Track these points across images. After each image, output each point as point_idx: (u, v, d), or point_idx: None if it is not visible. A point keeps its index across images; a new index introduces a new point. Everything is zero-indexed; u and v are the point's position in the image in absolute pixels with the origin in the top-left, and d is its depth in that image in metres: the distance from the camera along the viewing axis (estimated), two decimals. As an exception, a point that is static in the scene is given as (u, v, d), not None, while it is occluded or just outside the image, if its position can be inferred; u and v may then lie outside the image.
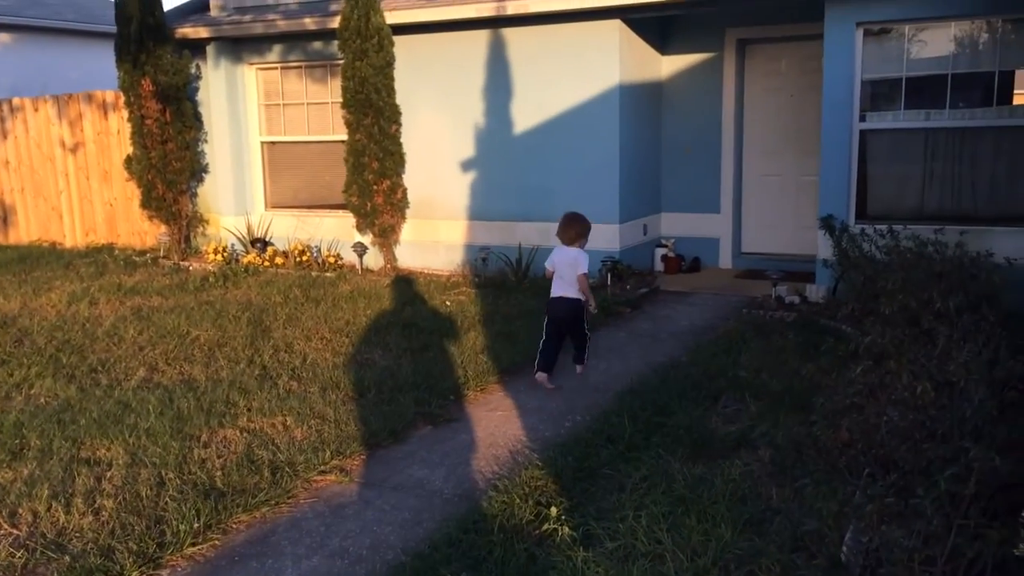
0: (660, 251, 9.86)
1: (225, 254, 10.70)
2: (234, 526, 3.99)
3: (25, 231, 13.15)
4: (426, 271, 9.97)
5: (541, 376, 5.89)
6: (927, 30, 7.69)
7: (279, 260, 10.38)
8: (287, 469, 4.48)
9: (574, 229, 5.88)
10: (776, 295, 7.85)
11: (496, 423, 5.29)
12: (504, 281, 9.00)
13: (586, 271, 5.85)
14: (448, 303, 8.21)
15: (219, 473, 4.42)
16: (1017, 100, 7.89)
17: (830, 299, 7.48)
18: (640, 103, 9.46)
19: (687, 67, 9.85)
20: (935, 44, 7.75)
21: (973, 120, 7.58)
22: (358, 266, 10.07)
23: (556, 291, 5.93)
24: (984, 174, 7.64)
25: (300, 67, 10.86)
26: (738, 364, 6.03)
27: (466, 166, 9.85)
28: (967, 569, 2.83)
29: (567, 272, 5.86)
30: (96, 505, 4.10)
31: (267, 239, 10.95)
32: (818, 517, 3.37)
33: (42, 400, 5.67)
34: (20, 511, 4.05)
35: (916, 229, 7.18)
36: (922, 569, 2.70)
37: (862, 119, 7.88)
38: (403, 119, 9.91)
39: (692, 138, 9.90)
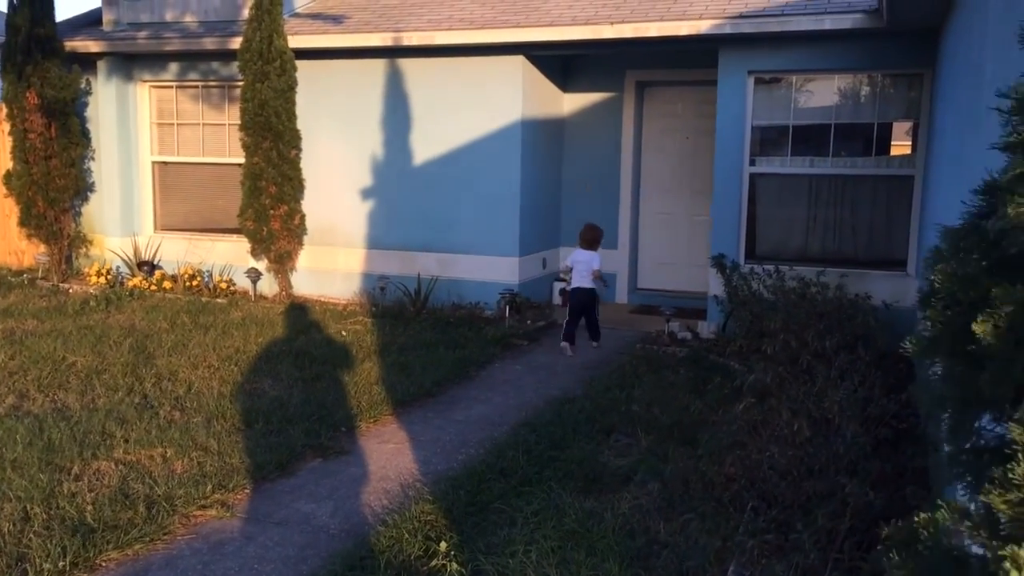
0: (558, 285, 9.96)
1: (109, 277, 10.24)
2: (103, 564, 3.76)
3: None
4: (323, 299, 9.79)
5: (565, 344, 7.67)
6: (813, 81, 8.10)
7: (167, 284, 9.99)
8: (164, 504, 4.27)
9: (591, 235, 7.86)
10: (669, 331, 8.03)
11: (388, 456, 5.19)
12: (402, 311, 8.91)
13: (599, 267, 7.84)
14: (344, 332, 8.06)
15: (90, 508, 4.17)
16: (895, 151, 8.37)
17: (720, 336, 7.70)
18: (541, 139, 9.60)
19: (588, 105, 10.07)
20: (821, 95, 8.16)
21: (854, 168, 7.99)
22: (251, 292, 9.80)
23: (576, 283, 7.77)
24: (864, 220, 8.05)
25: (197, 87, 10.58)
26: (631, 398, 6.11)
27: (367, 194, 9.76)
28: (842, 602, 2.92)
29: (585, 269, 7.71)
30: (-51, 543, 3.81)
31: (155, 262, 10.54)
32: (702, 553, 3.42)
33: None
34: None
35: (801, 270, 7.50)
36: (799, 603, 2.77)
37: (752, 163, 8.20)
38: (304, 144, 9.76)
39: (592, 175, 10.08)
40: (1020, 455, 1.24)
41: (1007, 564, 1.19)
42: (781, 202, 8.33)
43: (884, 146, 8.09)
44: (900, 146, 8.65)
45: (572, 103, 10.13)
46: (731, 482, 3.77)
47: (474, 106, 9.15)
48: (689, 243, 9.92)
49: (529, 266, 9.44)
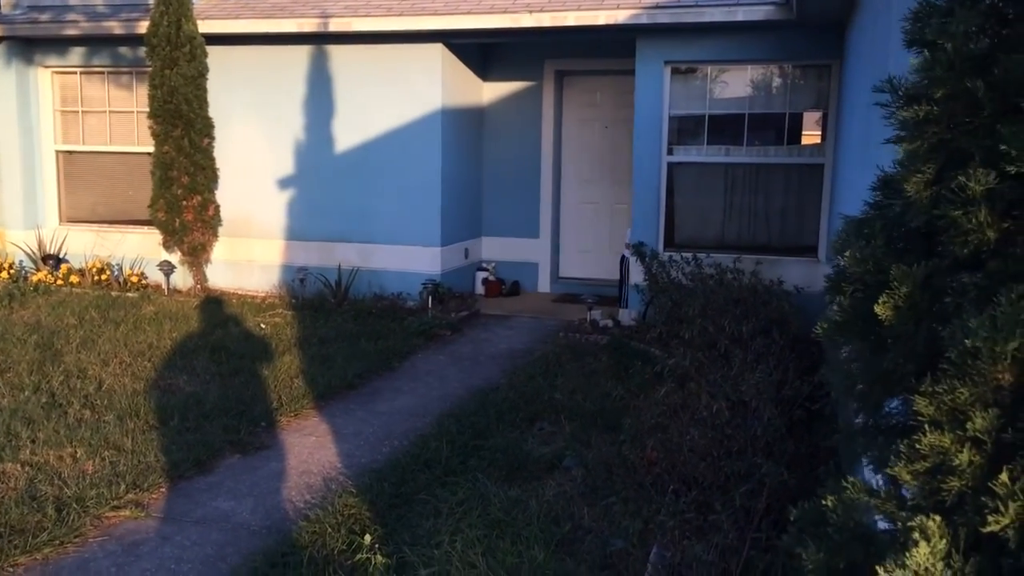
0: (481, 274, 9.96)
1: (12, 271, 9.78)
2: (11, 569, 3.61)
3: None
4: (240, 292, 9.56)
5: None
6: (728, 72, 8.27)
7: (74, 279, 9.60)
8: (75, 505, 4.12)
9: None
10: (591, 319, 8.12)
11: (310, 449, 5.12)
12: (323, 303, 8.77)
13: None
14: (263, 325, 7.90)
15: (-6, 513, 3.99)
16: (805, 140, 8.62)
17: (641, 323, 7.82)
18: (462, 127, 9.56)
19: (508, 94, 10.07)
20: (735, 85, 8.34)
21: (767, 157, 8.20)
22: (164, 286, 9.50)
23: None
24: (776, 207, 8.27)
25: (103, 72, 10.17)
26: (554, 386, 6.16)
27: (285, 184, 9.56)
28: (759, 579, 3.01)
29: None
30: None
31: (61, 256, 10.12)
32: (624, 536, 3.47)
33: None
34: None
35: (717, 257, 7.67)
36: (719, 581, 2.84)
37: (670, 152, 8.34)
38: (218, 132, 9.49)
39: (513, 164, 10.10)
40: (926, 426, 1.29)
41: (916, 535, 1.24)
42: (698, 191, 8.49)
43: (795, 136, 8.32)
44: (811, 135, 8.91)
45: (492, 92, 10.12)
46: (652, 465, 3.84)
47: (394, 94, 9.05)
48: (610, 231, 10.04)
49: (451, 256, 9.41)
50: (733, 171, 8.32)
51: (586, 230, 10.19)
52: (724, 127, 8.33)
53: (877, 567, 1.20)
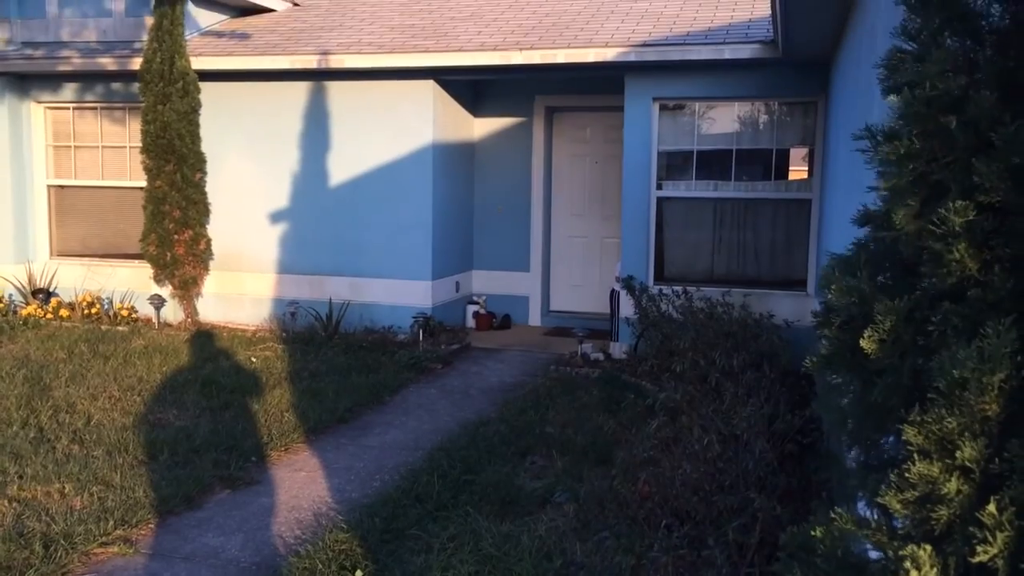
0: (472, 308, 9.98)
1: (1, 305, 9.74)
2: (-5, 610, 3.57)
3: None
4: (231, 325, 9.54)
5: None
6: (715, 108, 8.38)
7: (64, 312, 9.57)
8: (62, 542, 4.08)
9: None
10: (582, 352, 8.14)
11: (300, 484, 5.09)
12: (313, 336, 8.76)
13: None
14: (253, 359, 7.87)
15: (-20, 550, 3.95)
16: (792, 175, 8.73)
17: (632, 356, 7.84)
18: (453, 162, 9.64)
19: (499, 130, 10.17)
20: (723, 121, 8.46)
21: (755, 192, 8.29)
22: (155, 320, 9.47)
23: None
24: (765, 242, 8.35)
25: (96, 108, 10.23)
26: (546, 420, 6.16)
27: (276, 218, 9.59)
28: (752, 613, 3.00)
29: None
30: None
31: (51, 289, 10.09)
32: (617, 572, 3.46)
33: None
34: None
35: (707, 291, 7.71)
36: (712, 616, 2.83)
37: (659, 187, 8.42)
38: (209, 167, 9.54)
39: (503, 198, 10.17)
40: (915, 455, 1.32)
41: (907, 564, 1.26)
42: (687, 225, 8.56)
43: (782, 171, 8.42)
44: (798, 171, 9.02)
45: (483, 127, 10.22)
46: (645, 500, 3.84)
47: (386, 129, 9.13)
48: (600, 265, 10.09)
49: (442, 289, 9.43)
50: (721, 206, 8.41)
51: (576, 264, 10.25)
52: (712, 162, 8.42)
53: (869, 597, 1.22)
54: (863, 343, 1.56)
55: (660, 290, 7.81)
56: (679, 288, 7.65)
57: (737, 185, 8.31)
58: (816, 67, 7.57)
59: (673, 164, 8.56)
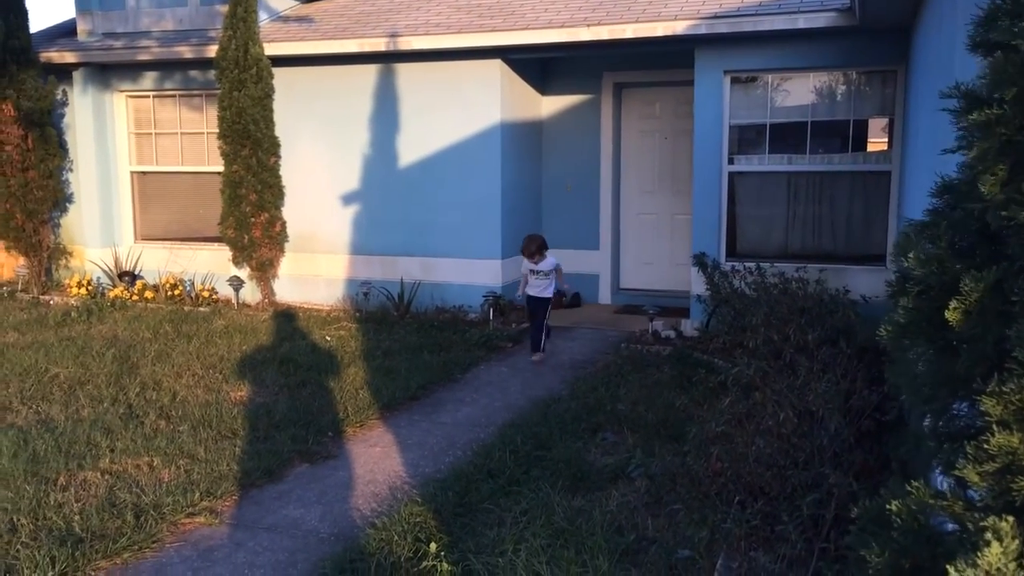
0: (541, 287, 9.98)
1: (90, 288, 10.18)
2: (92, 573, 3.76)
3: None
4: (306, 306, 9.77)
5: (536, 356, 7.56)
6: (789, 80, 8.19)
7: (149, 294, 9.95)
8: (152, 512, 4.26)
9: (534, 244, 7.51)
10: (653, 330, 8.09)
11: (376, 459, 5.20)
12: (386, 316, 8.91)
13: (556, 267, 7.63)
14: (328, 338, 8.06)
15: (77, 518, 4.16)
16: (871, 147, 8.48)
17: (703, 333, 7.76)
18: (522, 141, 9.64)
19: (567, 107, 10.12)
20: (797, 93, 8.25)
21: (831, 165, 8.08)
22: (234, 300, 9.77)
23: (530, 291, 7.55)
24: (842, 215, 8.14)
25: (174, 95, 10.55)
26: (616, 397, 6.15)
27: (348, 200, 9.76)
28: (827, 589, 2.97)
29: (532, 278, 7.56)
30: (-64, 557, 3.79)
31: (136, 272, 10.49)
32: (690, 545, 3.46)
33: None
34: None
35: (781, 266, 7.57)
36: (786, 591, 2.81)
37: (731, 162, 8.28)
38: (283, 151, 9.75)
39: (572, 176, 10.14)
40: (994, 426, 1.28)
41: (988, 535, 1.23)
42: (760, 200, 8.41)
43: (861, 143, 8.18)
44: (877, 142, 8.75)
45: (551, 105, 10.18)
46: (717, 476, 3.82)
47: (454, 110, 9.18)
48: (671, 242, 9.99)
49: (512, 268, 9.47)
50: (796, 180, 8.22)
51: (647, 241, 10.16)
52: (786, 135, 8.24)
53: (948, 566, 1.20)
54: (948, 315, 1.52)
55: (732, 266, 7.70)
56: (751, 264, 7.52)
57: (812, 158, 8.11)
58: (895, 34, 7.31)
59: (745, 138, 8.40)
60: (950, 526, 1.39)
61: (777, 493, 3.53)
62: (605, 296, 10.16)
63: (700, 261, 7.85)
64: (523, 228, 9.78)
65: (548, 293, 7.58)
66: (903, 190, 7.39)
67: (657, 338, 7.96)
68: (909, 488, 1.49)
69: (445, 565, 3.70)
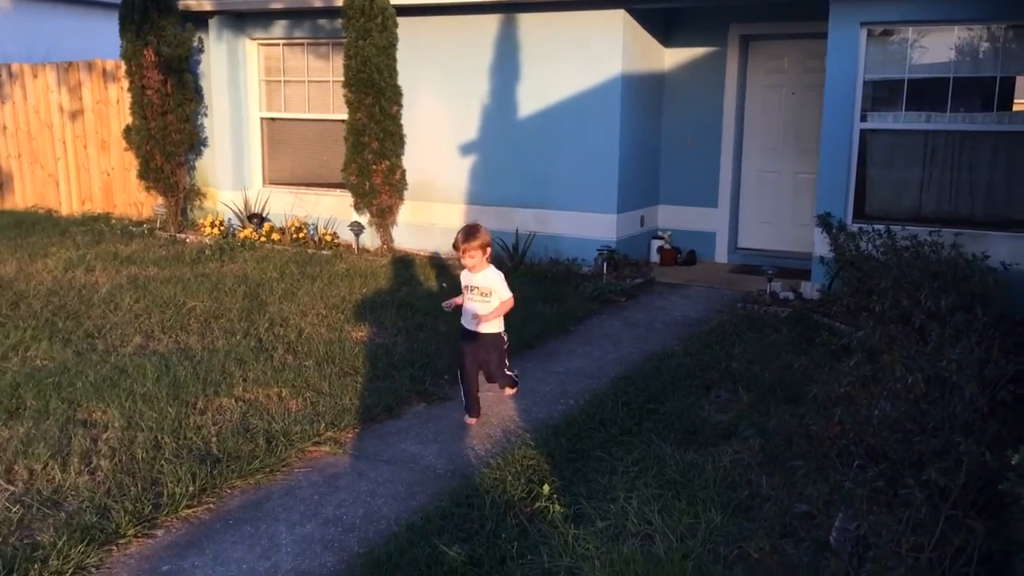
0: (656, 243, 9.89)
1: (222, 228, 10.69)
2: (228, 491, 4.02)
3: (21, 197, 13.10)
4: (422, 253, 9.99)
5: (470, 419, 5.10)
6: (930, 34, 7.73)
7: (275, 236, 10.37)
8: (282, 438, 4.51)
9: (467, 235, 4.99)
10: (771, 290, 7.91)
11: (489, 403, 5.32)
12: (500, 265, 8.89)
13: (495, 286, 5.11)
14: (444, 284, 8.23)
15: (214, 439, 4.45)
16: (1018, 106, 7.94)
17: (825, 296, 7.54)
18: (642, 94, 9.48)
19: (690, 60, 9.87)
20: (937, 48, 7.78)
21: (973, 124, 7.63)
22: (354, 245, 10.08)
23: (465, 321, 5.15)
24: (982, 178, 7.69)
25: (303, 44, 10.84)
26: (731, 356, 6.08)
27: (465, 150, 9.86)
28: (953, 557, 2.89)
29: (468, 296, 5.15)
30: (92, 465, 4.13)
31: (264, 215, 10.94)
32: (809, 502, 3.42)
33: (38, 362, 5.69)
34: (16, 468, 4.07)
35: (912, 230, 7.24)
36: (909, 555, 2.75)
37: (863, 119, 7.92)
38: (405, 100, 9.91)
39: (692, 132, 9.92)
40: None
41: None
42: (893, 160, 8.03)
43: (1006, 101, 7.67)
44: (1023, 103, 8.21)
45: (673, 58, 9.95)
46: (838, 438, 3.74)
47: (574, 61, 9.09)
48: (793, 202, 9.69)
49: (627, 223, 9.40)
50: (933, 139, 7.80)
51: (767, 200, 9.89)
52: (924, 92, 7.80)
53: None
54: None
55: (859, 228, 7.41)
56: (880, 226, 7.22)
57: (953, 117, 7.67)
58: (1055, -17, 6.79)
59: (880, 94, 8.01)
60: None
61: (901, 458, 3.43)
62: (721, 255, 9.97)
63: (825, 222, 7.59)
64: (640, 182, 9.68)
65: (491, 327, 5.05)
66: (1053, 153, 6.91)
67: (775, 299, 7.78)
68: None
69: (557, 507, 3.78)
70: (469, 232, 4.99)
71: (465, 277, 5.13)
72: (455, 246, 5.07)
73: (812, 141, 9.01)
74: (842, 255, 7.11)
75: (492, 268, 5.11)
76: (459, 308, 5.18)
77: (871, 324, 4.61)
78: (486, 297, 5.03)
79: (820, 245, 7.83)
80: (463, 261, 5.04)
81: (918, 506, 2.92)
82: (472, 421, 5.02)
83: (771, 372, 5.61)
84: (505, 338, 5.23)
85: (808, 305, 7.43)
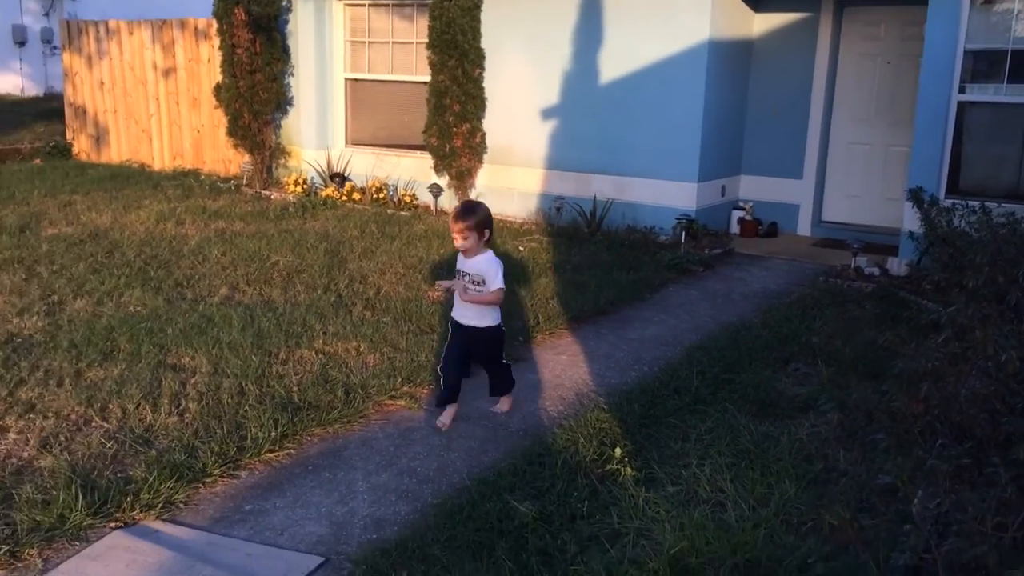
0: (737, 213, 9.71)
1: (305, 186, 10.91)
2: (308, 439, 4.15)
3: (116, 151, 13.59)
4: (500, 217, 10.00)
5: (441, 419, 4.46)
6: (1042, 0, 7.33)
7: (356, 196, 10.54)
8: (359, 391, 4.63)
9: (462, 212, 4.44)
10: (855, 265, 7.70)
11: (563, 366, 5.35)
12: (576, 232, 9.00)
13: (488, 273, 4.44)
14: (521, 249, 8.26)
15: (295, 389, 4.59)
16: None
17: (913, 272, 7.30)
18: (728, 61, 9.26)
19: (780, 26, 9.58)
20: (1048, 16, 7.39)
21: (1082, 98, 7.24)
22: (433, 207, 10.17)
23: (456, 315, 4.54)
24: (1088, 155, 7.31)
25: (388, 5, 10.89)
26: (811, 330, 5.96)
27: (546, 115, 9.81)
28: (1039, 540, 2.80)
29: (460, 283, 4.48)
30: (181, 407, 4.32)
31: (346, 174, 11.12)
32: (890, 475, 3.36)
33: (131, 308, 5.93)
34: (110, 407, 4.28)
35: (1010, 207, 6.93)
36: (993, 533, 2.68)
37: (962, 91, 7.58)
38: (487, 63, 9.89)
39: (779, 100, 9.65)
40: None
41: None
42: (992, 133, 7.68)
43: (1122, 74, 7.25)
44: None
45: (763, 23, 9.67)
46: (922, 414, 3.64)
47: (659, 25, 8.92)
48: (883, 175, 9.37)
49: (707, 192, 9.24)
50: (1037, 113, 7.43)
51: (855, 173, 9.58)
52: (1030, 64, 7.42)
53: None
54: None
55: (952, 204, 7.14)
56: (975, 202, 6.94)
57: (1060, 89, 7.29)
58: None
59: (980, 66, 7.64)
60: None
61: (988, 437, 3.33)
62: (804, 227, 9.73)
63: (916, 196, 7.33)
64: (723, 151, 9.49)
65: (484, 319, 4.42)
66: None
67: (859, 274, 7.57)
68: None
69: (628, 470, 3.80)
70: (466, 209, 4.33)
71: (459, 261, 4.40)
72: (451, 222, 4.35)
73: (906, 113, 8.69)
74: (933, 231, 6.86)
75: (490, 253, 4.38)
76: (452, 296, 4.46)
77: (963, 300, 4.46)
78: (478, 287, 4.31)
79: (910, 220, 7.57)
80: (456, 243, 4.32)
81: (1003, 485, 2.83)
82: (443, 424, 4.30)
83: (852, 347, 5.48)
84: (503, 330, 4.55)
85: (894, 281, 7.22)
